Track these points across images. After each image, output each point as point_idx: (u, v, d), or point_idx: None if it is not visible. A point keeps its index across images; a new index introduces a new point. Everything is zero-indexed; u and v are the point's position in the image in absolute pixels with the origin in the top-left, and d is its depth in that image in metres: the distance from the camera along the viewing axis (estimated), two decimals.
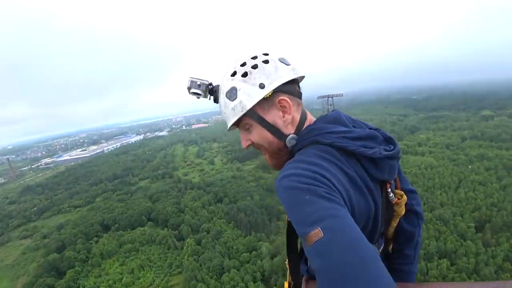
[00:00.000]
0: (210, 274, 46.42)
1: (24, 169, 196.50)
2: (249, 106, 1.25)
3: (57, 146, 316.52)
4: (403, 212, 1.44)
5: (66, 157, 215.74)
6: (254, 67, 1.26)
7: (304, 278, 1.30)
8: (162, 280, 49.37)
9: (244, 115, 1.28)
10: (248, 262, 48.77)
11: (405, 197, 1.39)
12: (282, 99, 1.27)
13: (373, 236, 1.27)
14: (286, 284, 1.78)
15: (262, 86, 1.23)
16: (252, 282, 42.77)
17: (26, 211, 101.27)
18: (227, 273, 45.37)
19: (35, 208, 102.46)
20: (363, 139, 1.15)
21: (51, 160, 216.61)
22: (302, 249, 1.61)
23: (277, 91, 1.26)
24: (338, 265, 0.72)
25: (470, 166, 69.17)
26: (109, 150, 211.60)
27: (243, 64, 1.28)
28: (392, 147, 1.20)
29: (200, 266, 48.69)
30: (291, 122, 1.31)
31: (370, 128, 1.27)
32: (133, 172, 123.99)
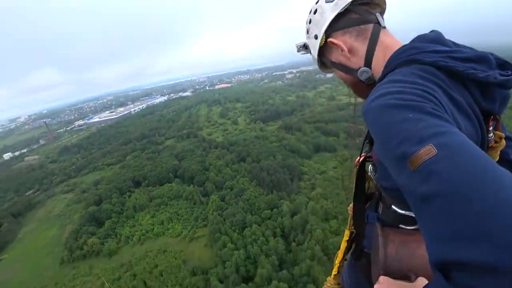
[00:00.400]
0: (233, 228, 49.14)
1: (60, 131, 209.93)
2: (316, 56, 1.40)
3: (87, 109, 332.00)
4: (497, 159, 1.19)
5: (96, 119, 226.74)
6: (310, 21, 1.35)
7: (378, 225, 1.17)
8: (189, 231, 53.13)
9: (321, 62, 1.45)
10: (269, 218, 50.64)
11: (504, 141, 1.16)
12: (330, 41, 1.27)
13: None
14: (347, 232, 1.63)
15: (316, 37, 1.32)
16: (272, 237, 44.71)
17: (66, 169, 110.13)
18: (249, 228, 47.58)
19: (73, 166, 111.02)
20: (473, 61, 0.95)
21: (83, 122, 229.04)
22: (370, 195, 1.46)
23: (329, 33, 1.27)
24: (460, 186, 0.55)
25: None
26: (135, 111, 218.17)
27: (307, 22, 1.38)
28: (509, 72, 0.97)
29: (224, 220, 51.54)
30: (354, 54, 1.25)
31: None
32: (159, 132, 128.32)
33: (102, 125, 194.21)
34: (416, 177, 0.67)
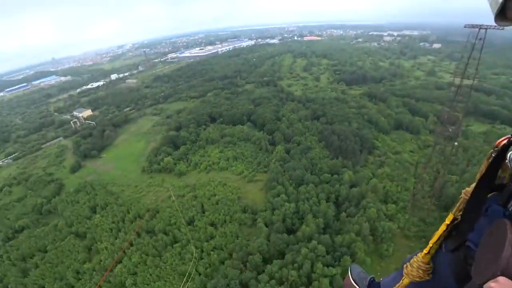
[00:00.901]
0: (290, 181, 49.93)
1: (155, 61, 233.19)
2: None
3: (180, 44, 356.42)
4: None
5: (186, 53, 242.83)
6: None
7: (508, 222, 1.00)
8: (249, 173, 55.99)
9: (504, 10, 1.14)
10: (327, 182, 49.94)
11: None
12: None
13: None
14: (450, 216, 1.46)
15: None
16: (325, 201, 44.54)
17: (156, 95, 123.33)
18: (305, 185, 47.95)
19: (162, 94, 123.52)
20: None
21: (175, 55, 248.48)
22: (499, 186, 1.25)
23: None
24: None
25: None
26: (222, 51, 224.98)
27: None
28: None
29: (284, 172, 52.51)
30: None
31: None
32: (241, 75, 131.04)
33: (191, 60, 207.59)
34: None
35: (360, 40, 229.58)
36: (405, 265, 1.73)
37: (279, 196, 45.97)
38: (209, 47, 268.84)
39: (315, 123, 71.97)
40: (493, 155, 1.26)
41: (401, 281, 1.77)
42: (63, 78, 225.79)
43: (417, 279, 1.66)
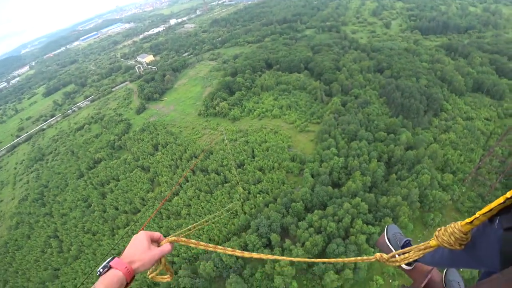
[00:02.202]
0: (342, 135, 47.93)
1: (213, 4, 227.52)
2: None
3: None
4: None
5: None
6: None
7: None
8: (302, 123, 54.94)
9: None
10: (382, 141, 47.03)
11: None
12: None
13: None
14: (510, 192, 1.31)
15: None
16: (376, 160, 42.35)
17: (214, 39, 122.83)
18: (357, 141, 45.73)
19: (219, 38, 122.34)
20: None
21: None
22: None
23: None
24: None
25: None
26: None
27: None
28: None
29: (337, 125, 50.24)
30: None
31: None
32: (301, 19, 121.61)
33: (250, 2, 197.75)
34: None
35: None
36: (438, 228, 1.60)
37: (329, 149, 45.01)
38: None
39: (377, 76, 65.44)
40: None
41: (428, 241, 1.66)
42: (127, 25, 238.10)
43: (446, 245, 1.58)
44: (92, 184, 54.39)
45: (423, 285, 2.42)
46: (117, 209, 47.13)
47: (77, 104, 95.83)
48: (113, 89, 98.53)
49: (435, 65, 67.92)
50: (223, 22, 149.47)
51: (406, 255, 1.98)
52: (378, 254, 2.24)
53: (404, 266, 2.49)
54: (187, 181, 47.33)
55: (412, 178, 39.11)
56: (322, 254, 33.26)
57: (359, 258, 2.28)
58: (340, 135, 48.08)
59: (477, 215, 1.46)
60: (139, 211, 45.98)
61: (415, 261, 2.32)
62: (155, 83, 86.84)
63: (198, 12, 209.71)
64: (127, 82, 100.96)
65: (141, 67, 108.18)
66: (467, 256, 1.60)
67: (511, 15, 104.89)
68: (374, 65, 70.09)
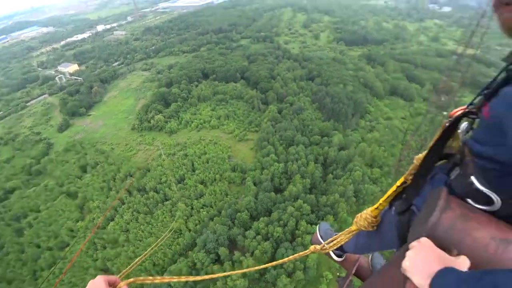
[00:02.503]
0: (280, 141, 49.65)
1: (145, 11, 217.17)
2: None
3: None
4: None
5: (180, 3, 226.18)
6: None
7: (444, 188, 1.07)
8: (240, 132, 55.33)
9: None
10: (317, 144, 50.02)
11: None
12: None
13: None
14: (402, 179, 1.55)
15: None
16: (313, 162, 44.87)
17: (147, 48, 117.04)
18: (295, 146, 47.92)
19: (153, 47, 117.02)
20: None
21: (168, 5, 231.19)
22: (447, 155, 1.34)
23: None
24: None
25: None
26: (219, 2, 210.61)
27: None
28: None
29: (275, 132, 51.90)
30: None
31: None
32: (237, 29, 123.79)
33: (184, 10, 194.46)
34: None
35: None
36: (356, 215, 2.02)
37: (268, 156, 46.15)
38: None
39: (310, 83, 69.87)
40: (446, 124, 1.27)
41: (349, 228, 2.06)
42: (44, 29, 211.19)
43: (363, 229, 1.91)
44: (4, 220, 45.29)
45: (353, 272, 2.82)
46: (38, 246, 40.31)
47: None
48: (28, 104, 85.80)
49: (358, 72, 75.68)
50: (157, 30, 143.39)
51: (335, 241, 2.24)
52: (312, 247, 2.60)
53: (336, 258, 2.85)
54: (123, 203, 43.51)
55: (347, 176, 42.36)
56: (272, 260, 33.37)
57: (296, 255, 2.55)
58: (278, 141, 49.68)
59: (380, 201, 1.75)
60: (68, 245, 40.57)
61: (344, 251, 2.71)
62: (81, 96, 78.87)
63: (129, 19, 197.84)
64: (45, 96, 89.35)
65: (63, 78, 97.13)
66: (379, 239, 1.92)
67: (415, 31, 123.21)
68: (306, 73, 74.59)
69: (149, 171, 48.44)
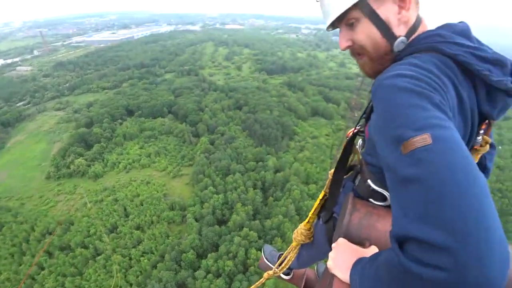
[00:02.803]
0: (217, 172, 49.94)
1: (56, 45, 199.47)
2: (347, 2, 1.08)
3: (88, 25, 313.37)
4: (476, 161, 1.23)
5: (96, 37, 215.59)
6: None
7: (351, 194, 1.35)
8: (174, 168, 53.98)
9: (355, 5, 1.07)
10: (253, 170, 51.66)
11: (488, 147, 1.19)
12: None
13: None
14: (322, 193, 1.83)
15: None
16: (252, 188, 46.10)
17: (60, 86, 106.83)
18: (232, 175, 48.64)
19: (67, 84, 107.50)
20: (491, 63, 0.96)
21: (82, 39, 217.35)
22: (351, 167, 1.62)
23: None
24: (444, 179, 0.63)
25: None
26: (138, 37, 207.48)
27: None
28: None
29: (210, 163, 52.17)
30: (405, 22, 1.11)
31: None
32: (160, 64, 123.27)
33: (102, 45, 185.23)
34: (404, 160, 0.72)
35: (280, 31, 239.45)
36: (294, 231, 2.21)
37: (206, 189, 45.74)
38: (123, 31, 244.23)
39: (238, 112, 73.07)
40: (344, 143, 1.59)
41: (291, 245, 2.26)
42: None
43: (302, 242, 2.12)
44: None
45: (303, 286, 2.96)
46: None
47: None
48: None
49: (281, 98, 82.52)
50: (71, 65, 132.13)
51: (285, 262, 2.42)
52: (265, 274, 2.80)
53: (285, 277, 2.96)
54: (42, 269, 37.25)
55: (286, 196, 44.48)
56: None
57: (253, 286, 2.71)
58: (214, 172, 49.76)
59: (309, 215, 1.99)
60: None
61: (290, 269, 2.90)
62: None
63: (36, 53, 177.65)
64: None
65: None
66: (316, 249, 2.12)
67: (325, 58, 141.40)
68: (233, 103, 77.91)
69: (72, 224, 42.95)
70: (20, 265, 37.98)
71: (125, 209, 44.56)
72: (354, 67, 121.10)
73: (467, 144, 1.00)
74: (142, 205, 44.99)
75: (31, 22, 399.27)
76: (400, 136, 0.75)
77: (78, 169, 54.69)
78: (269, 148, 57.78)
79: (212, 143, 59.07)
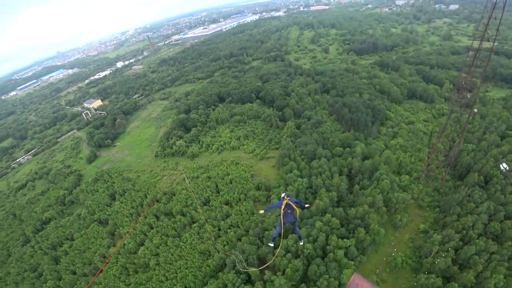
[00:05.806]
0: (302, 156, 49.57)
1: (159, 45, 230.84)
2: None
3: (183, 24, 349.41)
4: None
5: (190, 34, 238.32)
6: None
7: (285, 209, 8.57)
8: (261, 150, 56.09)
9: None
10: (339, 156, 49.58)
11: None
12: None
13: None
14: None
15: None
16: (337, 174, 44.08)
17: (163, 79, 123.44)
18: (317, 160, 47.56)
19: (169, 77, 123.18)
20: None
21: (179, 37, 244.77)
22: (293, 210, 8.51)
23: None
24: None
25: None
26: (226, 29, 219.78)
27: None
28: None
29: (295, 147, 52.02)
30: None
31: None
32: (247, 52, 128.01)
33: (195, 40, 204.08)
34: None
35: (370, 6, 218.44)
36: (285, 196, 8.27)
37: (291, 172, 45.89)
38: (213, 25, 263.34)
39: (325, 96, 70.25)
40: (284, 207, 8.15)
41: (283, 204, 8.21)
42: (70, 71, 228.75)
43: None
44: (42, 249, 47.35)
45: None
46: (74, 273, 41.57)
47: (17, 160, 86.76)
48: (59, 139, 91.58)
49: (373, 80, 75.41)
50: (171, 61, 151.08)
51: None
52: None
53: (270, 244, 10.18)
54: (152, 228, 44.42)
55: (374, 185, 41.16)
56: (305, 278, 32.59)
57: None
58: (300, 156, 49.52)
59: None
60: (102, 270, 41.33)
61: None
62: (106, 128, 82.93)
63: (145, 54, 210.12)
64: (74, 131, 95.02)
65: (89, 113, 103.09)
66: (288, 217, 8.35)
67: (424, 32, 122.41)
68: (320, 87, 75.14)
69: (174, 195, 49.37)
70: (137, 223, 45.92)
71: (216, 186, 48.66)
72: (463, 39, 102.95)
73: None
74: (231, 183, 48.26)
75: (140, 28, 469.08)
76: None
77: (179, 149, 62.26)
78: (357, 134, 54.12)
79: (298, 127, 58.53)
